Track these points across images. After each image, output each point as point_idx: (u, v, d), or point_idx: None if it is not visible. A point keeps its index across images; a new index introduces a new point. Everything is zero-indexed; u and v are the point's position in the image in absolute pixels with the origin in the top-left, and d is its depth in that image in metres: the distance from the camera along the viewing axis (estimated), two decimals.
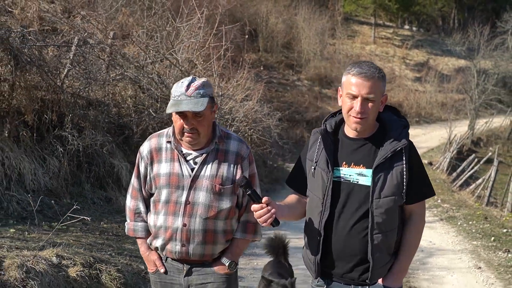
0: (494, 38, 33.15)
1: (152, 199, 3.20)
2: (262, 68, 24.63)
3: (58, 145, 8.35)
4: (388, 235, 2.89)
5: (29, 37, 8.30)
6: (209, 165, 3.12)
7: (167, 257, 3.20)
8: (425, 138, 27.96)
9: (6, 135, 7.69)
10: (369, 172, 2.87)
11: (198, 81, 3.05)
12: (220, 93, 11.61)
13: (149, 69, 10.84)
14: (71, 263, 5.00)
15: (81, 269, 4.97)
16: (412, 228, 2.97)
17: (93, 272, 5.12)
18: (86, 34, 9.69)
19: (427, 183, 3.02)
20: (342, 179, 2.93)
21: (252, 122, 13.74)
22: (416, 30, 54.76)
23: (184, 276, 3.17)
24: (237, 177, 3.10)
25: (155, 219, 3.15)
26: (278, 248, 5.16)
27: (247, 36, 20.09)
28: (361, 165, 2.90)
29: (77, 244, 5.97)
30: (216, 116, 3.50)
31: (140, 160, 3.24)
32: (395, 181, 2.84)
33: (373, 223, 2.83)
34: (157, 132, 3.30)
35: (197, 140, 3.08)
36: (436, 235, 10.01)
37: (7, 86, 8.03)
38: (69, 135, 8.39)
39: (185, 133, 3.04)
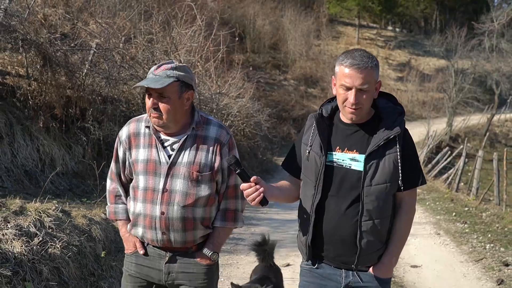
0: (472, 39, 34.48)
1: (131, 184, 3.14)
2: (251, 69, 25.95)
3: (82, 135, 9.76)
4: (378, 223, 2.86)
5: (56, 42, 9.73)
6: (187, 152, 3.02)
7: (148, 244, 3.14)
8: None
9: (41, 125, 9.09)
10: (361, 157, 2.84)
11: (171, 64, 3.00)
12: (218, 90, 13.04)
13: None
14: None
15: None
16: (402, 218, 2.94)
17: None
18: (102, 39, 11.08)
19: (419, 171, 2.96)
20: (335, 164, 2.90)
21: (245, 117, 15.16)
22: (399, 31, 56.00)
23: (166, 263, 3.10)
24: (216, 164, 3.05)
25: (134, 206, 3.08)
26: (264, 252, 5.01)
27: (237, 39, 21.35)
28: (355, 150, 2.87)
29: None
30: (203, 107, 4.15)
31: (119, 145, 3.18)
32: (387, 169, 2.81)
33: (363, 209, 2.82)
34: (136, 117, 3.23)
35: (162, 123, 2.98)
36: None
37: (39, 85, 9.41)
38: (91, 127, 9.79)
39: (151, 114, 2.99)
